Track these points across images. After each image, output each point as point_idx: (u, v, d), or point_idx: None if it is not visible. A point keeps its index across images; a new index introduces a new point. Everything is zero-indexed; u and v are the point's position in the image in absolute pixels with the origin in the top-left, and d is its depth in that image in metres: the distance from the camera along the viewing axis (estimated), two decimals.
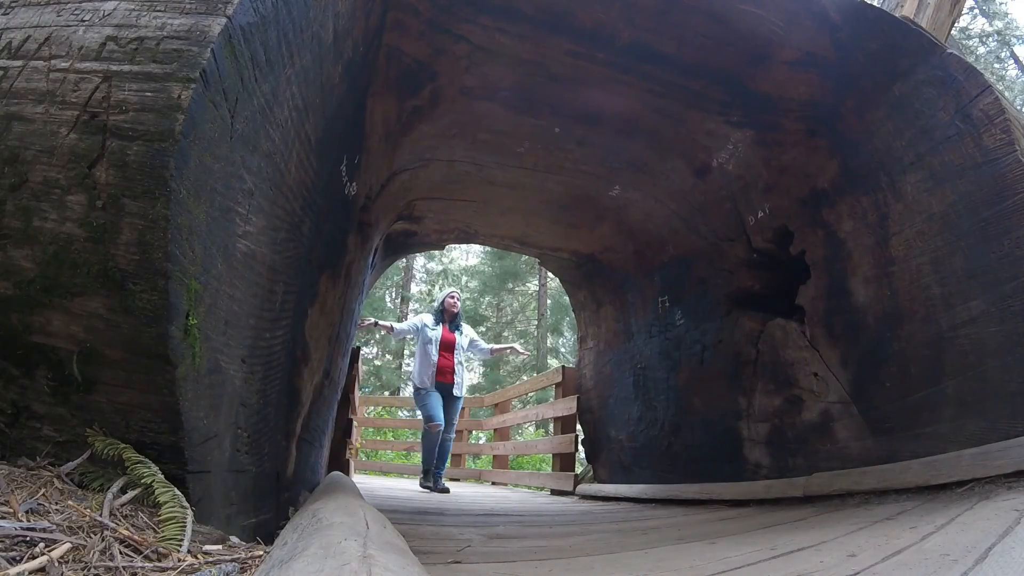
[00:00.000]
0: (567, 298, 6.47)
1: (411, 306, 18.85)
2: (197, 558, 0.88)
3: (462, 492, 5.41)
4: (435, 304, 6.03)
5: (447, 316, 5.64)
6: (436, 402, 5.30)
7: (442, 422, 5.31)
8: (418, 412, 6.47)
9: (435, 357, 5.38)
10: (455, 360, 5.47)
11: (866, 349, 2.40)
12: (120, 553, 0.81)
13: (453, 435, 5.83)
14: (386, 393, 14.95)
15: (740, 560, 1.42)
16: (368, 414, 8.43)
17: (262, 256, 1.39)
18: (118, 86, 1.01)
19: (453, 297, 5.79)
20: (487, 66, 2.69)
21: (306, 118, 1.53)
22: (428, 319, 5.66)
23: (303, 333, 1.97)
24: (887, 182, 2.29)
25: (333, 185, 2.06)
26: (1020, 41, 16.23)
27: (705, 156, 3.18)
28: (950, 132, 2.01)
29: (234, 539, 1.05)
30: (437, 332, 5.49)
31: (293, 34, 1.33)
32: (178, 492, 1.01)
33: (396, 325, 6.07)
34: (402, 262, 16.96)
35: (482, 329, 18.30)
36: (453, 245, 6.07)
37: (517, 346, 6.78)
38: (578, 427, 5.12)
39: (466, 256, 20.49)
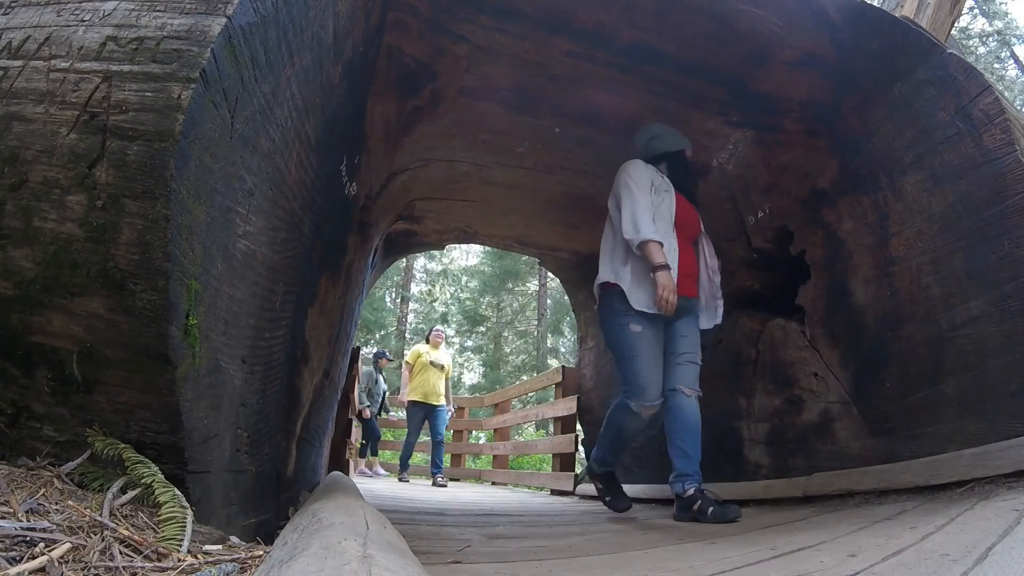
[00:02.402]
0: (567, 298, 6.49)
1: (411, 306, 18.85)
2: (197, 558, 0.88)
3: (462, 492, 5.41)
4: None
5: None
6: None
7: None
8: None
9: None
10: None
11: (866, 349, 2.40)
12: (120, 553, 0.81)
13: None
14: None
15: (740, 560, 1.42)
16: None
17: (262, 256, 1.39)
18: (118, 86, 1.01)
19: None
20: (487, 66, 2.69)
21: (306, 118, 1.53)
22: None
23: (303, 333, 1.97)
24: (887, 182, 2.29)
25: (333, 185, 2.06)
26: (1020, 41, 16.24)
27: (705, 156, 3.18)
28: (950, 132, 2.01)
29: (234, 539, 1.05)
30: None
31: (293, 34, 1.33)
32: (178, 492, 1.01)
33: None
34: (402, 262, 16.97)
35: (482, 329, 18.31)
36: (453, 245, 6.10)
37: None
38: (578, 427, 5.12)
39: (466, 256, 20.51)
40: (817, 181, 2.70)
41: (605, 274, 2.67)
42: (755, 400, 3.01)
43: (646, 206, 2.55)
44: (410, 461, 7.57)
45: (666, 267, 2.45)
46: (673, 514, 2.48)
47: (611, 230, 2.73)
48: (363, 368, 7.40)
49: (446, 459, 8.61)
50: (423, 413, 6.79)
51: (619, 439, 2.75)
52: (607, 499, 2.94)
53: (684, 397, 2.55)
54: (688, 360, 2.62)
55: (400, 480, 6.85)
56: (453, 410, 7.37)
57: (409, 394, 6.78)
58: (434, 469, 6.59)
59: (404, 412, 7.91)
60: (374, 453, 8.51)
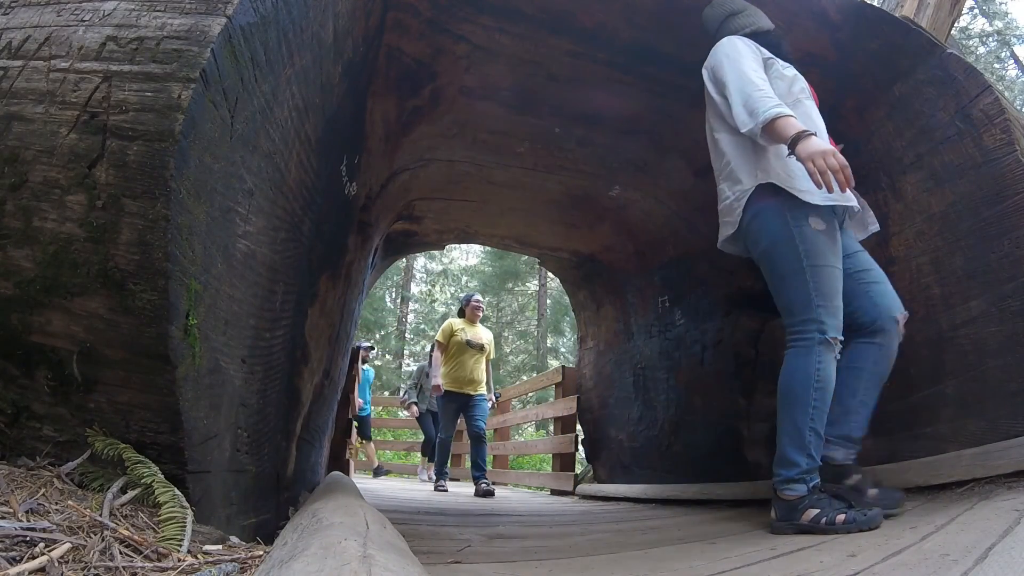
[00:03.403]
0: (567, 298, 6.47)
1: (411, 306, 18.85)
2: (197, 558, 0.88)
3: (462, 492, 5.41)
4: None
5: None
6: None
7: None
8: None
9: None
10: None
11: None
12: (120, 553, 0.81)
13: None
14: (386, 393, 14.94)
15: (740, 560, 1.42)
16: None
17: (262, 256, 1.39)
18: (118, 86, 1.01)
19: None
20: (487, 66, 2.69)
21: (306, 118, 1.53)
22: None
23: (303, 333, 1.97)
24: (887, 182, 2.29)
25: (333, 185, 2.06)
26: (1020, 41, 16.24)
27: (705, 156, 3.18)
28: (950, 132, 2.01)
29: (234, 539, 1.05)
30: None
31: (293, 34, 1.33)
32: (178, 492, 1.01)
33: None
34: (402, 262, 16.97)
35: None
36: (453, 245, 6.05)
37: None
38: (578, 427, 5.12)
39: (466, 256, 20.50)
40: None
41: (748, 178, 1.92)
42: (755, 400, 3.01)
43: (760, 78, 1.89)
44: (407, 460, 7.33)
45: (811, 133, 1.73)
46: (771, 519, 1.82)
47: (725, 133, 2.02)
48: (415, 365, 6.91)
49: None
50: (457, 405, 5.31)
51: (824, 398, 1.79)
52: (840, 518, 1.63)
53: (895, 334, 1.88)
54: (883, 278, 1.96)
55: (437, 489, 5.24)
56: (495, 400, 6.06)
57: (445, 382, 5.31)
58: (476, 472, 5.17)
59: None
60: (431, 458, 7.29)
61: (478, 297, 5.67)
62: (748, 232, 1.93)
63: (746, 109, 1.84)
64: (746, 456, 3.03)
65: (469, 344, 5.29)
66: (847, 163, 1.67)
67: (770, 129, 1.78)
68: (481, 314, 5.59)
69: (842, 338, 1.79)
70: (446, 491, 5.16)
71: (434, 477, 5.62)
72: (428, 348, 7.42)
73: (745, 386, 3.08)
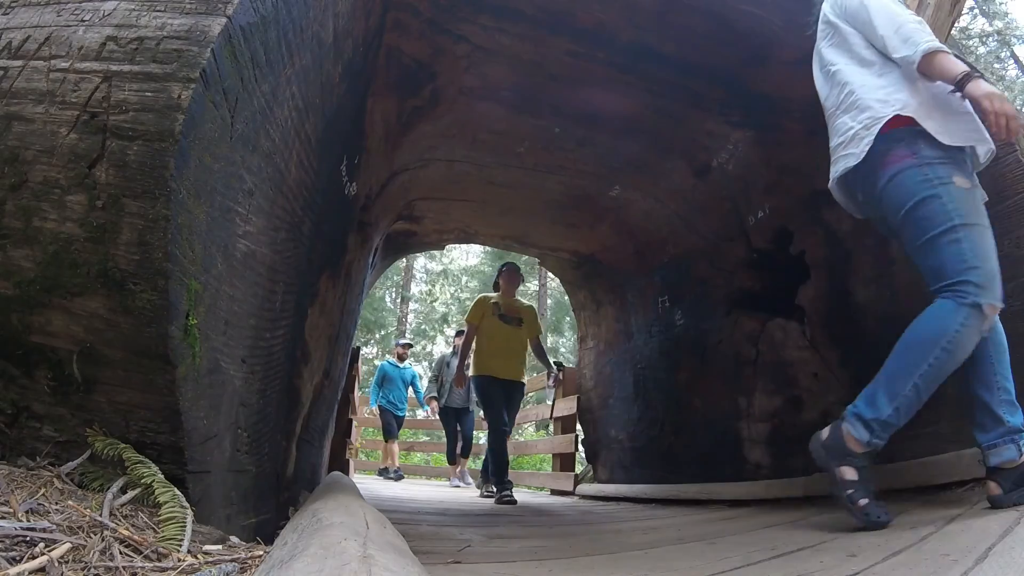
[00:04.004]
0: (567, 298, 6.46)
1: (411, 306, 18.85)
2: (197, 558, 0.88)
3: (462, 492, 5.41)
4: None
5: None
6: None
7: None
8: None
9: None
10: None
11: (866, 349, 2.40)
12: (120, 553, 0.81)
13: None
14: None
15: (740, 560, 1.42)
16: (368, 414, 8.43)
17: (262, 256, 1.39)
18: (118, 86, 1.01)
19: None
20: (487, 66, 2.69)
21: (306, 118, 1.53)
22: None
23: (303, 333, 1.97)
24: None
25: (333, 185, 2.06)
26: (1020, 41, 16.24)
27: (705, 156, 3.18)
28: None
29: (234, 539, 1.05)
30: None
31: (293, 34, 1.33)
32: (178, 492, 1.01)
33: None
34: (402, 262, 16.96)
35: None
36: (453, 245, 6.01)
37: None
38: (578, 427, 5.12)
39: (466, 256, 20.49)
40: (817, 181, 2.69)
41: (880, 106, 1.71)
42: (755, 400, 3.01)
43: (911, 13, 1.76)
44: (407, 460, 7.15)
45: (978, 74, 1.59)
46: (995, 495, 1.53)
47: (849, 64, 1.83)
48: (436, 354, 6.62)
49: (444, 459, 8.19)
50: (501, 390, 4.35)
51: (946, 364, 1.58)
52: (862, 503, 1.61)
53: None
54: None
55: (503, 500, 3.94)
56: (553, 384, 5.21)
57: (475, 366, 4.46)
58: (500, 480, 4.19)
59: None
60: (464, 455, 6.77)
61: (515, 264, 4.67)
62: (885, 193, 1.72)
63: (899, 36, 1.68)
64: (746, 456, 3.03)
65: (503, 319, 4.39)
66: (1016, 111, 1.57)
67: (930, 61, 1.63)
68: (519, 283, 4.62)
69: (999, 303, 1.57)
70: (514, 502, 3.91)
71: (491, 487, 4.47)
72: (429, 348, 7.24)
73: (745, 386, 3.08)
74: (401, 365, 7.87)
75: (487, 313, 4.42)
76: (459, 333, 6.63)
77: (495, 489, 4.19)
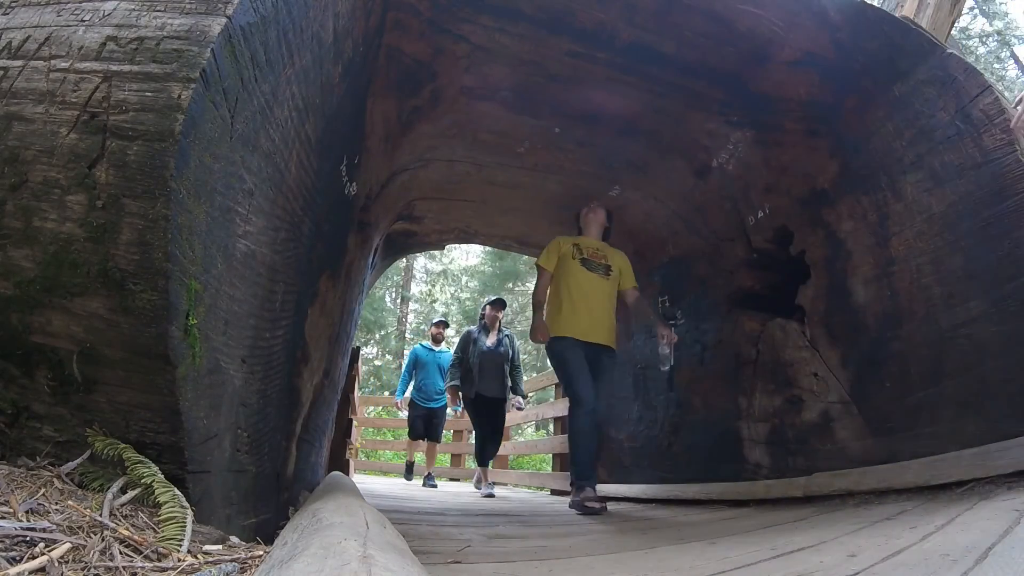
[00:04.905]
0: None
1: (411, 306, 18.84)
2: (197, 558, 0.88)
3: (462, 492, 5.41)
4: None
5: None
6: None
7: None
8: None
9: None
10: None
11: (866, 349, 2.40)
12: (120, 553, 0.81)
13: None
14: (386, 393, 14.94)
15: (740, 560, 1.42)
16: (368, 414, 8.37)
17: (262, 256, 1.39)
18: (118, 86, 1.01)
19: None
20: (487, 66, 2.69)
21: (306, 118, 1.53)
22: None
23: (303, 333, 1.97)
24: (887, 182, 2.29)
25: (333, 185, 2.06)
26: (1020, 41, 16.24)
27: (705, 156, 3.18)
28: (950, 132, 2.01)
29: (234, 539, 1.05)
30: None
31: (293, 34, 1.33)
32: (178, 492, 1.01)
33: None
34: (402, 262, 16.96)
35: None
36: (453, 245, 5.96)
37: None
38: None
39: (466, 256, 20.48)
40: (817, 181, 2.69)
41: None
42: (755, 400, 3.01)
43: None
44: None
45: None
46: None
47: None
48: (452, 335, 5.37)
49: (445, 459, 7.90)
50: (584, 351, 3.24)
51: None
52: None
53: None
54: None
55: (587, 508, 2.95)
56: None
57: (553, 328, 3.32)
58: (580, 476, 3.13)
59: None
60: (488, 459, 5.43)
61: (595, 205, 3.57)
62: None
63: None
64: (746, 456, 3.03)
65: (585, 264, 3.35)
66: None
67: None
68: (604, 223, 3.53)
69: None
70: (602, 510, 2.93)
71: (580, 488, 3.05)
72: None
73: (745, 386, 3.08)
74: (437, 349, 6.29)
75: (565, 256, 3.37)
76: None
77: (579, 490, 3.03)
